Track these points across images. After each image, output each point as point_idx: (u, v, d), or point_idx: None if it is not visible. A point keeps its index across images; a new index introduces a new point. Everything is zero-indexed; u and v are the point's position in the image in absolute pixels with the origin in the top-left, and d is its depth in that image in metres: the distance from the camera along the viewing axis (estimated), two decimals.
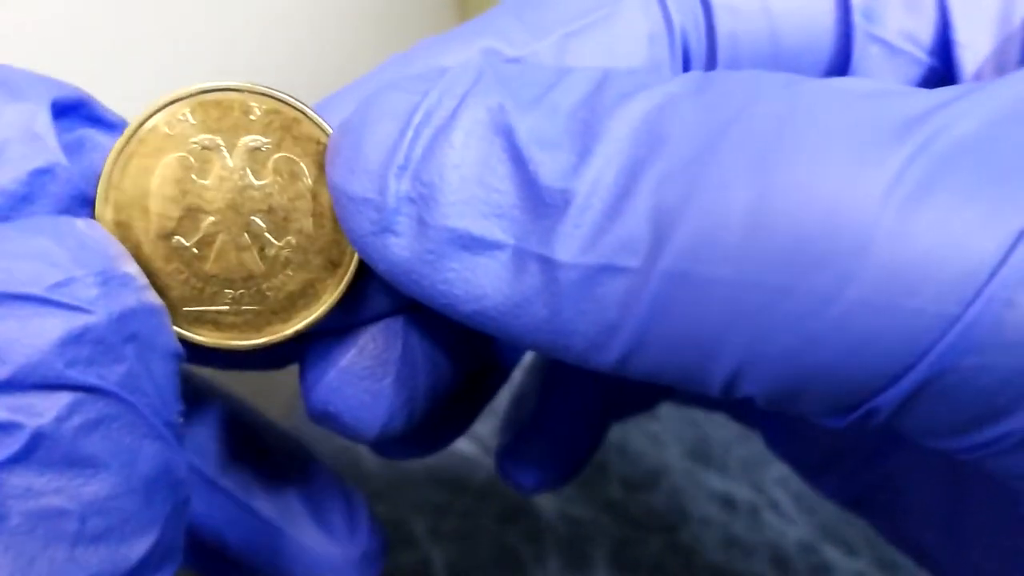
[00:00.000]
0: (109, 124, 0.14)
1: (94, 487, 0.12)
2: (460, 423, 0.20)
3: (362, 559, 0.18)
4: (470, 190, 0.12)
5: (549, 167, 0.12)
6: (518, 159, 0.12)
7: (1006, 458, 0.11)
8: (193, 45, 0.27)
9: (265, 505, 0.17)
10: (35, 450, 0.11)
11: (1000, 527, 0.18)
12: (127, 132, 0.14)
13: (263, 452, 0.18)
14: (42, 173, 0.13)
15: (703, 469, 0.34)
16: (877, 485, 0.21)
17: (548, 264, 0.12)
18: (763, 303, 0.11)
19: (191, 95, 0.14)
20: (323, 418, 0.16)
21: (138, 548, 0.12)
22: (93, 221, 0.13)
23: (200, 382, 0.19)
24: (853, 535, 0.32)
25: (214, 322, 0.15)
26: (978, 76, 0.15)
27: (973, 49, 0.15)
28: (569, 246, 0.11)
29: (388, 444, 0.19)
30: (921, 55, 0.16)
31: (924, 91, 0.11)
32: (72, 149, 0.13)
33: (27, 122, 0.13)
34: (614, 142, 0.11)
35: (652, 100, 0.12)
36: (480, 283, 0.12)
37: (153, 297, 0.13)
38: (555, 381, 0.24)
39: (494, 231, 0.12)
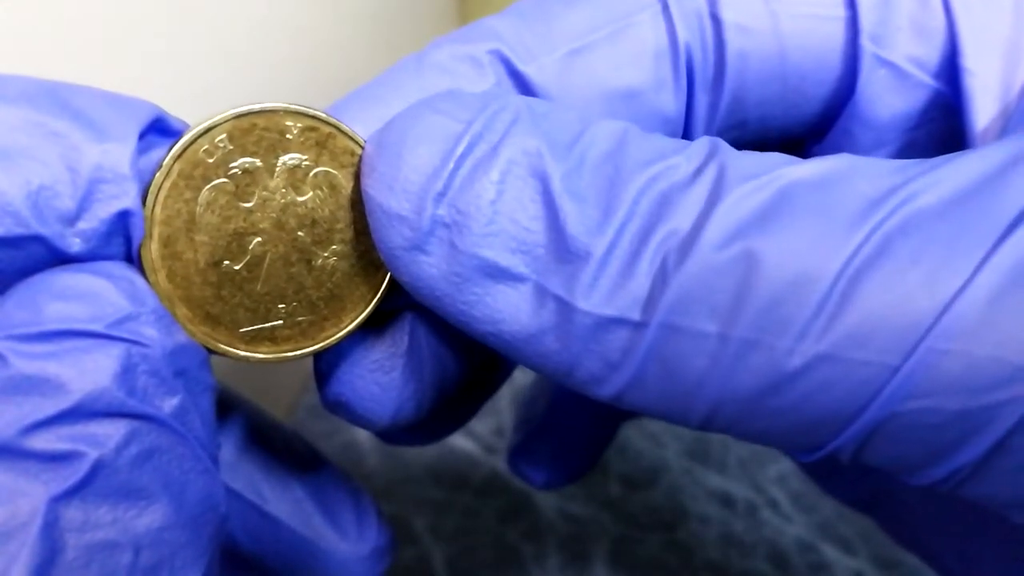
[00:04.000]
0: (178, 130, 0.14)
1: (147, 519, 0.12)
2: (463, 415, 0.20)
3: (371, 555, 0.18)
4: (502, 224, 0.13)
5: (576, 219, 0.13)
6: (550, 205, 0.13)
7: (969, 487, 0.12)
8: (195, 54, 0.27)
9: (276, 505, 0.18)
10: (93, 481, 0.12)
11: (1001, 533, 0.18)
12: (165, 165, 0.14)
13: (273, 453, 0.18)
14: (125, 214, 0.13)
15: (702, 468, 0.35)
16: (881, 490, 0.21)
17: (566, 307, 0.13)
18: (736, 354, 0.12)
19: (225, 120, 0.14)
20: (336, 408, 0.16)
21: None
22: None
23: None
24: (851, 533, 0.32)
25: (270, 338, 0.15)
26: (983, 105, 0.16)
27: (981, 77, 0.15)
28: (588, 296, 0.13)
29: (394, 432, 0.19)
30: (928, 80, 0.16)
31: (894, 164, 0.12)
32: (150, 173, 0.14)
33: (116, 163, 0.13)
34: (631, 209, 0.13)
35: (665, 176, 0.13)
36: (499, 309, 0.13)
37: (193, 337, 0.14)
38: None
39: (519, 265, 0.13)
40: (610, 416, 0.25)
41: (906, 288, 0.11)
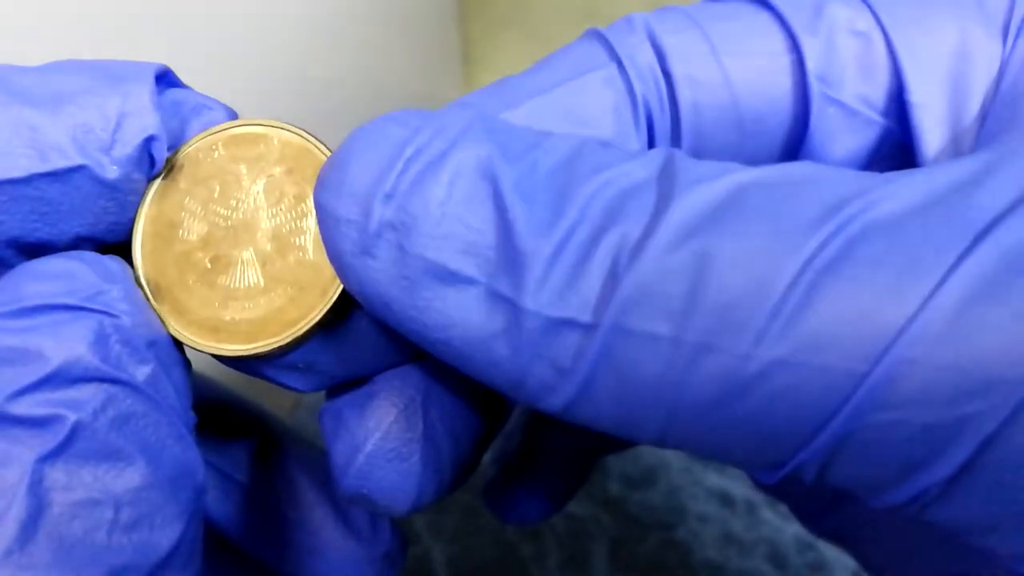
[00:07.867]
0: (185, 86, 0.16)
1: (125, 479, 0.13)
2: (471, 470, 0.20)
3: (384, 558, 0.19)
4: (450, 226, 0.13)
5: (525, 220, 0.12)
6: (500, 205, 0.13)
7: (938, 510, 0.12)
8: (195, 56, 0.27)
9: (292, 508, 0.18)
10: (74, 443, 0.12)
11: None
12: (169, 160, 0.16)
13: (288, 458, 0.18)
14: (150, 139, 0.15)
15: (701, 467, 0.35)
16: (848, 527, 0.21)
17: (515, 309, 0.12)
18: (690, 358, 0.11)
19: (223, 130, 0.16)
20: (357, 499, 0.16)
21: (167, 539, 0.13)
22: (115, 256, 0.15)
23: (227, 395, 0.19)
24: None
25: (223, 330, 0.16)
26: (932, 138, 0.16)
27: (928, 110, 0.16)
28: (536, 298, 0.12)
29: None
30: (877, 117, 0.16)
31: (854, 173, 0.12)
32: (168, 109, 0.16)
33: (138, 99, 0.15)
34: (583, 211, 0.12)
35: (618, 181, 0.13)
36: (450, 314, 0.13)
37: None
38: (542, 418, 0.24)
39: (468, 268, 0.13)
40: (586, 454, 0.25)
41: (870, 293, 0.11)
